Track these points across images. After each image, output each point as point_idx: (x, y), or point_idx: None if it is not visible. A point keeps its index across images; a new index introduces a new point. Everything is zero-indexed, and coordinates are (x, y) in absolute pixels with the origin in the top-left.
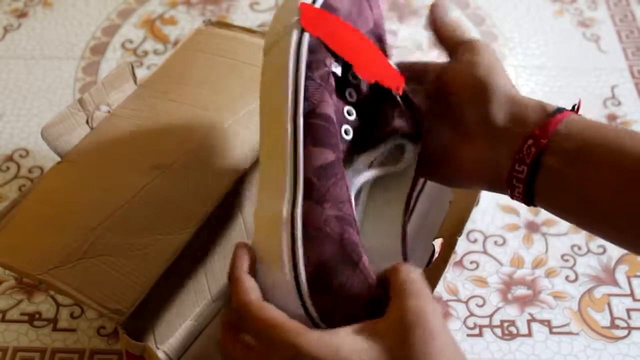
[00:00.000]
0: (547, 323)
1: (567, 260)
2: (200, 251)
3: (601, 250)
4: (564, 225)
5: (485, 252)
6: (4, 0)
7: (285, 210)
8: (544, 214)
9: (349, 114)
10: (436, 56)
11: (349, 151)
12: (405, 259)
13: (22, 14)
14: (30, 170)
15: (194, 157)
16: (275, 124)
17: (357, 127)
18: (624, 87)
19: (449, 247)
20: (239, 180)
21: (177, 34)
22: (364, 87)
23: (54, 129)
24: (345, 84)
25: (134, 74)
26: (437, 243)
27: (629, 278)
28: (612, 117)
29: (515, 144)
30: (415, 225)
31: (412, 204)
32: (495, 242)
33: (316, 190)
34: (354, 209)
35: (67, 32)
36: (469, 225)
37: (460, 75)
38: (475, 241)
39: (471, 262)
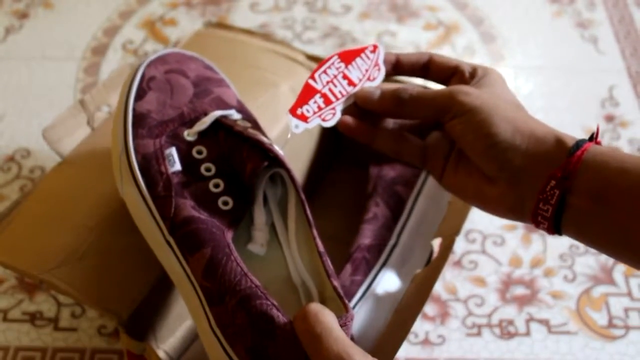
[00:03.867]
0: (545, 322)
1: (565, 260)
2: None
3: None
4: None
5: (484, 252)
6: (5, 1)
7: (206, 323)
8: None
9: (216, 186)
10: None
11: (239, 212)
12: (327, 273)
13: (23, 15)
14: (31, 171)
15: None
16: (159, 251)
17: (233, 189)
18: (622, 87)
19: (447, 246)
20: None
21: (178, 35)
22: (213, 152)
23: (55, 130)
24: (195, 165)
25: None
26: (436, 243)
27: (626, 277)
28: (609, 118)
29: (538, 184)
30: (414, 225)
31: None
32: (494, 242)
33: (212, 292)
34: (249, 276)
35: (68, 33)
36: (467, 225)
37: (466, 135)
38: (474, 241)
39: (470, 262)
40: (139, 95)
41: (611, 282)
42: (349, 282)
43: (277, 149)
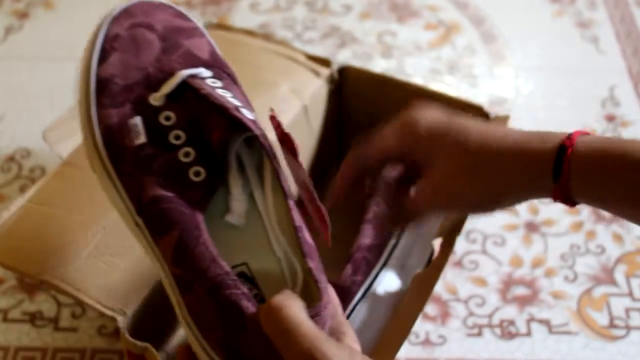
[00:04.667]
0: (546, 323)
1: (566, 260)
2: None
3: (600, 250)
4: (563, 225)
5: (484, 252)
6: (6, 1)
7: (180, 313)
8: (543, 214)
9: (187, 155)
10: (435, 57)
11: (213, 182)
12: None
13: (23, 15)
14: (31, 170)
15: None
16: (133, 234)
17: (205, 158)
18: (623, 87)
19: (448, 246)
20: None
21: None
22: (182, 117)
23: (56, 131)
24: (163, 133)
25: None
26: (437, 243)
27: (627, 278)
28: (610, 118)
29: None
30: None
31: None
32: (495, 242)
33: (183, 280)
34: (219, 261)
35: (69, 33)
36: (468, 225)
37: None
38: (474, 241)
39: (471, 262)
40: (103, 58)
41: (612, 282)
42: (350, 282)
43: (246, 112)
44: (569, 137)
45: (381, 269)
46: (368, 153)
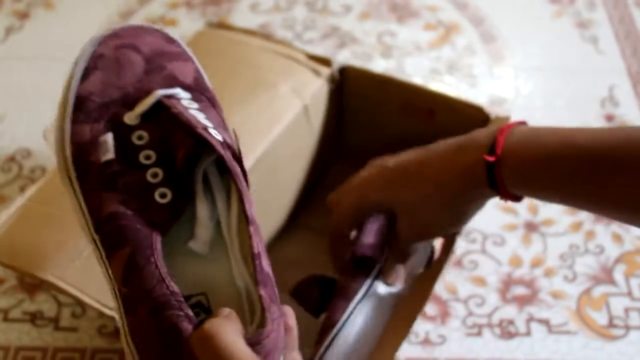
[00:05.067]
0: (545, 322)
1: (565, 260)
2: None
3: (599, 250)
4: (562, 225)
5: (484, 251)
6: (6, 1)
7: (123, 336)
8: (542, 214)
9: (154, 176)
10: (435, 57)
11: (179, 205)
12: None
13: (24, 16)
14: (32, 171)
15: None
16: (93, 251)
17: (174, 180)
18: (622, 87)
19: (448, 246)
20: None
21: (178, 35)
22: (155, 137)
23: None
24: (133, 152)
25: None
26: (437, 243)
27: (627, 277)
28: (609, 118)
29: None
30: None
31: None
32: (494, 242)
33: (128, 299)
34: (167, 281)
35: (69, 33)
36: (467, 225)
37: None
38: (474, 241)
39: (470, 262)
40: (84, 76)
41: (611, 282)
42: (351, 282)
43: (214, 133)
44: (493, 145)
45: (383, 267)
46: (337, 228)
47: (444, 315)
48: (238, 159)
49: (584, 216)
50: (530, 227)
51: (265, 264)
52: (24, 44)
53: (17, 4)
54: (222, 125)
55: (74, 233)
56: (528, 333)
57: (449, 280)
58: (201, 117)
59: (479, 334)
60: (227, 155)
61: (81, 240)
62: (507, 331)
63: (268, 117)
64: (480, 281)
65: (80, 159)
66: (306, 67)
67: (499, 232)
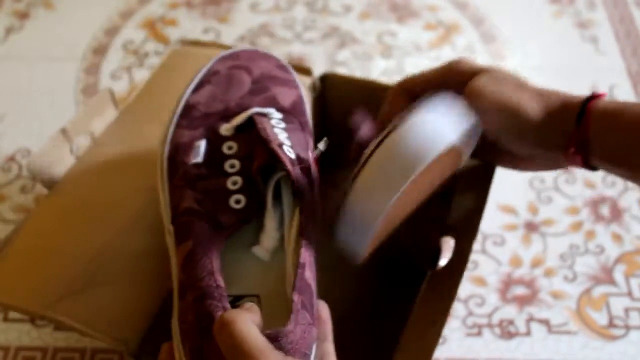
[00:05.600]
0: (545, 322)
1: (565, 260)
2: None
3: (599, 249)
4: (562, 224)
5: (484, 251)
6: (6, 1)
7: (173, 318)
8: (542, 214)
9: (234, 183)
10: (435, 57)
11: (250, 212)
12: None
13: (24, 15)
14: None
15: None
16: (167, 240)
17: (250, 189)
18: (622, 87)
19: (466, 247)
20: None
21: (178, 35)
22: (242, 149)
23: (40, 162)
24: (221, 160)
25: (114, 100)
26: (446, 242)
27: (627, 277)
28: None
29: (560, 148)
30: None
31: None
32: (494, 242)
33: (183, 286)
34: (216, 275)
35: (69, 33)
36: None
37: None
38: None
39: (470, 262)
40: (197, 88)
41: (611, 282)
42: None
43: (287, 149)
44: (592, 97)
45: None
46: (414, 81)
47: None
48: (310, 177)
49: (584, 216)
50: (530, 227)
51: (308, 275)
52: (24, 44)
53: (17, 4)
54: (304, 146)
55: (71, 264)
56: (528, 333)
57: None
58: (282, 136)
59: (479, 334)
60: (295, 172)
61: (80, 271)
62: (507, 331)
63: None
64: (480, 281)
65: (174, 158)
66: None
67: (499, 232)
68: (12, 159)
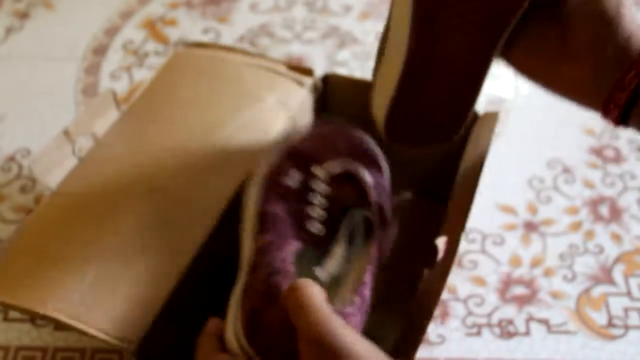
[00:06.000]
0: (545, 322)
1: (565, 260)
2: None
3: (599, 249)
4: (562, 224)
5: (483, 251)
6: (6, 1)
7: (238, 284)
8: (542, 214)
9: (319, 214)
10: None
11: (325, 240)
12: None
13: (24, 15)
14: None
15: (189, 178)
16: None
17: (330, 221)
18: None
19: (453, 245)
20: (235, 198)
21: (178, 35)
22: (332, 191)
23: (42, 162)
24: (306, 191)
25: (116, 101)
26: (441, 242)
27: (626, 277)
28: None
29: (618, 71)
30: None
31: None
32: (494, 242)
33: (255, 266)
34: (287, 262)
35: (69, 33)
36: (467, 225)
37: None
38: (473, 241)
39: (470, 262)
40: (304, 138)
41: (611, 281)
42: None
43: (374, 193)
44: None
45: None
46: None
47: (444, 315)
48: (385, 221)
49: (584, 216)
50: (530, 226)
51: (367, 292)
52: (24, 44)
53: (17, 4)
54: (387, 193)
55: (73, 265)
56: (527, 333)
57: (448, 280)
58: (368, 188)
59: (478, 333)
60: (375, 219)
61: (81, 271)
62: (506, 331)
63: (257, 131)
64: (480, 281)
65: (271, 175)
66: (289, 79)
67: (498, 231)
68: (12, 159)
